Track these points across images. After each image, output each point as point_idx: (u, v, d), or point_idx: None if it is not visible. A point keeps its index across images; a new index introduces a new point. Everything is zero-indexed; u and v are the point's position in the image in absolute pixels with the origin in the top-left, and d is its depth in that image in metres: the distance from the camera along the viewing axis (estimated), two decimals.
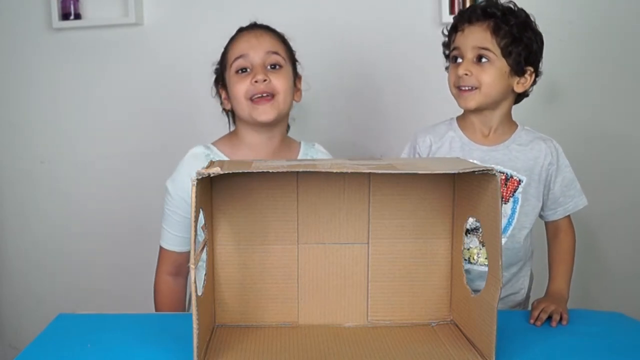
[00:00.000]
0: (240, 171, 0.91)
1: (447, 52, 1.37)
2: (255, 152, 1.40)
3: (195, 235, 0.84)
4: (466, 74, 1.28)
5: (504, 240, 1.30)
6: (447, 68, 1.38)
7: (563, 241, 1.33)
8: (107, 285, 2.16)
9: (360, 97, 2.04)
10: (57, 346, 1.01)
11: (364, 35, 2.00)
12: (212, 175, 0.85)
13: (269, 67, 1.36)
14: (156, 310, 1.44)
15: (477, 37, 1.29)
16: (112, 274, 2.16)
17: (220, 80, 1.44)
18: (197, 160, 1.36)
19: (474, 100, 1.30)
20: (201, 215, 0.93)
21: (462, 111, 1.37)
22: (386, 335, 1.01)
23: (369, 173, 1.01)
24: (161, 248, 1.42)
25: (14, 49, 2.11)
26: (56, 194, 2.17)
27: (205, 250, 0.99)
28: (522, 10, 1.31)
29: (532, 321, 1.11)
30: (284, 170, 0.92)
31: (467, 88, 1.29)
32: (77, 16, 2.04)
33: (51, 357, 0.97)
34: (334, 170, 0.91)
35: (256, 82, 1.33)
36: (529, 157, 1.32)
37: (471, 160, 1.32)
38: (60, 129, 2.14)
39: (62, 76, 2.10)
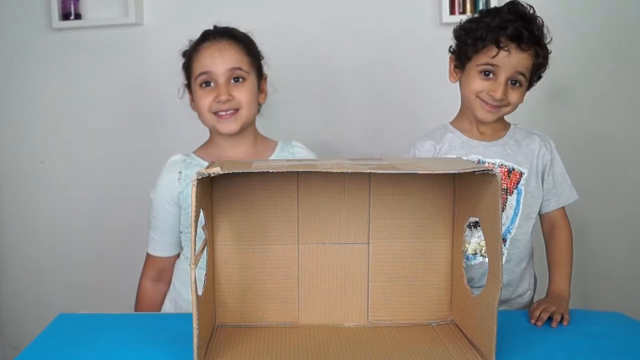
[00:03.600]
0: (240, 171, 0.91)
1: (468, 56, 1.32)
2: (227, 154, 1.42)
3: (196, 235, 0.84)
4: (502, 98, 1.28)
5: (513, 232, 1.32)
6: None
7: (559, 239, 1.34)
8: (107, 286, 2.15)
9: (358, 98, 2.04)
10: (57, 346, 1.01)
11: (363, 35, 2.00)
12: (212, 175, 0.85)
13: (232, 80, 1.38)
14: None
15: (522, 63, 1.28)
16: (112, 274, 2.16)
17: (188, 83, 1.46)
18: (175, 167, 1.40)
19: (497, 115, 1.31)
20: (201, 215, 0.93)
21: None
22: (386, 335, 1.01)
23: (369, 173, 1.01)
24: (147, 253, 1.47)
25: (14, 49, 2.11)
26: (56, 194, 2.17)
27: (205, 250, 0.99)
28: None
29: (532, 321, 1.11)
30: (284, 170, 0.92)
31: (495, 104, 1.30)
32: (77, 16, 2.04)
33: (51, 357, 0.97)
34: (334, 170, 0.91)
35: (219, 101, 1.36)
36: (526, 152, 1.34)
37: (473, 156, 1.33)
38: (60, 129, 2.14)
39: (62, 76, 2.10)
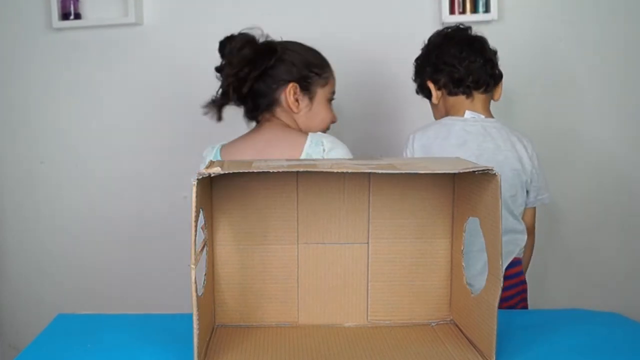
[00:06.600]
0: (240, 171, 0.91)
1: None
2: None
3: (196, 235, 0.84)
4: None
5: None
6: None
7: None
8: (107, 286, 2.16)
9: (360, 98, 2.04)
10: (57, 346, 1.01)
11: (362, 35, 2.00)
12: (212, 175, 0.85)
13: None
14: None
15: None
16: (113, 274, 2.16)
17: (304, 86, 1.49)
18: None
19: None
20: (201, 215, 0.93)
21: None
22: (386, 335, 1.01)
23: (369, 173, 1.01)
24: None
25: (14, 49, 2.11)
26: (56, 194, 2.17)
27: (205, 250, 0.99)
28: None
29: None
30: (284, 170, 0.92)
31: None
32: (77, 16, 2.04)
33: (51, 357, 0.97)
34: (334, 170, 0.91)
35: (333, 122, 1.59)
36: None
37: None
38: (60, 129, 2.14)
39: (62, 76, 2.11)
